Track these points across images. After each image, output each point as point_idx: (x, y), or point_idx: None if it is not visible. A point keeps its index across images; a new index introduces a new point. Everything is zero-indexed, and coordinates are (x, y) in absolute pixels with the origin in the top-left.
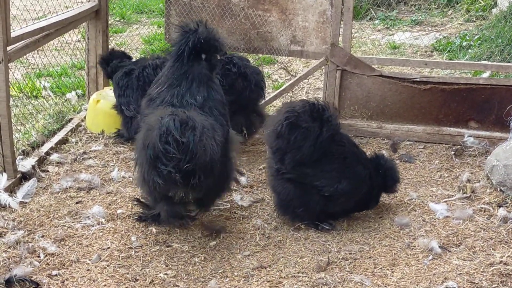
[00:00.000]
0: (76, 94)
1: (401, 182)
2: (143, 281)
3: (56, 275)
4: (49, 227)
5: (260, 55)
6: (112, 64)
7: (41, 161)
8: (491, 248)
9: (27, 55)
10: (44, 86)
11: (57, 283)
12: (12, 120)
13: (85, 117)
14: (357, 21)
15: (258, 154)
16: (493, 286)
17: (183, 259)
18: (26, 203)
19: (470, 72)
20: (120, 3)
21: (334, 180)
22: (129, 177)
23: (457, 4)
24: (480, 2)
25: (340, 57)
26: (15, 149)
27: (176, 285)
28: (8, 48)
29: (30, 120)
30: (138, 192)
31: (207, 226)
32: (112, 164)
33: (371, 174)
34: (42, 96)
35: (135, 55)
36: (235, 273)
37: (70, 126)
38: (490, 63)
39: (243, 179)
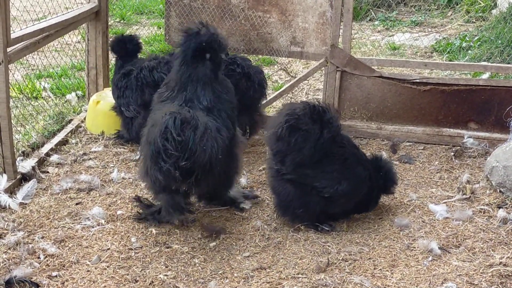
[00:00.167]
0: (76, 95)
1: (399, 184)
2: (143, 282)
3: (56, 276)
4: (49, 228)
5: (260, 56)
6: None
7: (41, 162)
8: (490, 249)
9: (27, 56)
10: (44, 87)
11: (57, 284)
12: (12, 121)
13: (85, 118)
14: (357, 22)
15: (258, 155)
16: (493, 287)
17: (183, 260)
18: (26, 204)
19: (470, 73)
20: (120, 4)
21: (334, 181)
22: (129, 178)
23: (457, 5)
24: (480, 3)
25: (340, 58)
26: (15, 150)
27: (176, 286)
28: (8, 49)
29: (30, 121)
30: (138, 192)
31: (207, 227)
32: (112, 165)
33: (371, 175)
34: (42, 97)
35: None
36: (235, 274)
37: (70, 127)
38: (489, 64)
39: (243, 180)
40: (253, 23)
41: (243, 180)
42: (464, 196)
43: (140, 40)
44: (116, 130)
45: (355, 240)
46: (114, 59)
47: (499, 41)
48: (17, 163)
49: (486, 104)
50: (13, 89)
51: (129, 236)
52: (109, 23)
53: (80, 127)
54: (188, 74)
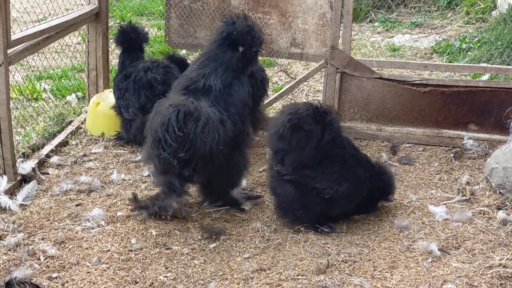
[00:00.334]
0: (76, 96)
1: (399, 186)
2: (143, 283)
3: (56, 277)
4: (49, 229)
5: (260, 57)
6: None
7: (41, 163)
8: (490, 251)
9: (27, 57)
10: (44, 88)
11: (57, 286)
12: (12, 122)
13: (85, 120)
14: (356, 23)
15: (258, 156)
16: None
17: (182, 262)
18: (26, 205)
19: (470, 74)
20: (120, 6)
21: (335, 182)
22: (129, 180)
23: (457, 6)
24: (480, 5)
25: (339, 60)
26: (15, 151)
27: None
28: (9, 51)
29: (30, 123)
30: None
31: (207, 228)
32: (112, 166)
33: (371, 177)
34: (42, 99)
35: None
36: (235, 276)
37: (70, 128)
38: (489, 65)
39: (243, 182)
40: None
41: (243, 182)
42: (464, 198)
43: (145, 31)
44: (116, 132)
45: (355, 241)
46: (113, 60)
47: (499, 43)
48: (17, 165)
49: (486, 105)
50: (14, 90)
51: (129, 237)
52: (109, 25)
53: (80, 128)
54: (215, 54)
